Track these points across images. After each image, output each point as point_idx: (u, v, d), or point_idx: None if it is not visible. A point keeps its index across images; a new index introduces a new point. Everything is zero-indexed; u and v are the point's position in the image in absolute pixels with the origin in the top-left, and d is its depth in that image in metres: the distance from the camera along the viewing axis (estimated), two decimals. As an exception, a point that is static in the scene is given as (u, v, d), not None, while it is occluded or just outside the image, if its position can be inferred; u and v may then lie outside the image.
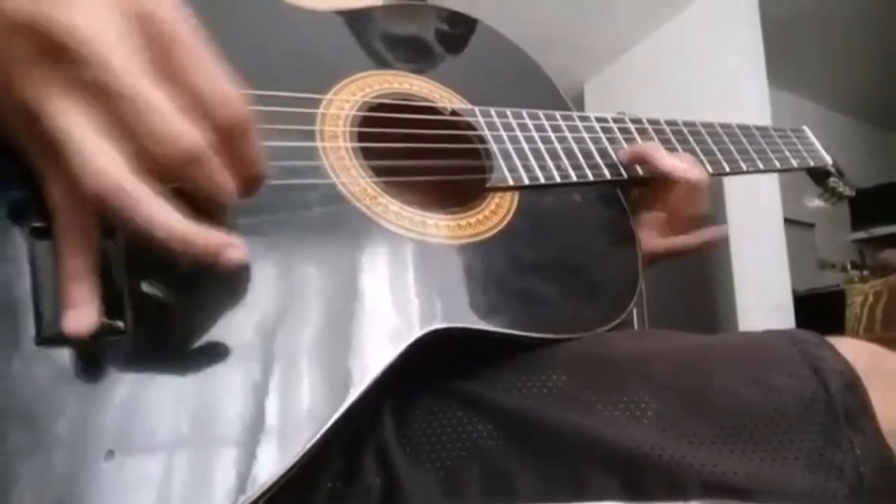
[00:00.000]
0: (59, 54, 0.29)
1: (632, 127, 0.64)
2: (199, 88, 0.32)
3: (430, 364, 0.43)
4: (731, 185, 2.77)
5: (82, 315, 0.31)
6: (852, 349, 0.40)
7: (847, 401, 0.37)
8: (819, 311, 2.57)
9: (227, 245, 0.33)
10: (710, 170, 0.65)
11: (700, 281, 2.67)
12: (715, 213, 2.72)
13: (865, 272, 3.76)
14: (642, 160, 0.60)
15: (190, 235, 0.31)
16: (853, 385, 0.38)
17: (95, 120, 0.30)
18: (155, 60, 0.31)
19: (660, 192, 0.61)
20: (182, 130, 0.31)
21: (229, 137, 0.33)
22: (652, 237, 0.61)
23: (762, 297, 2.72)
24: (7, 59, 0.29)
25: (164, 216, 0.31)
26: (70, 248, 0.31)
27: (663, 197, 0.60)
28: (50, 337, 0.32)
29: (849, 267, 4.00)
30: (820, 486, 0.35)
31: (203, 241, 0.32)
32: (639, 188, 0.62)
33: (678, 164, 0.59)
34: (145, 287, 0.35)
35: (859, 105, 4.32)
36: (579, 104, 3.48)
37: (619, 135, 0.62)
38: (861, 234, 4.36)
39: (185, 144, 0.31)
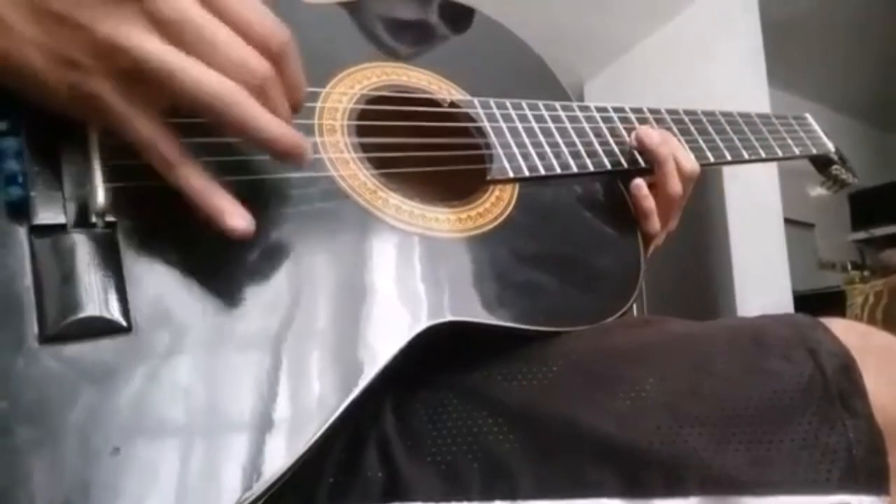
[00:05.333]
0: None
1: (632, 116, 0.63)
2: (250, 22, 0.34)
3: (430, 358, 0.43)
4: (732, 184, 2.77)
5: (241, 215, 0.34)
6: (843, 329, 0.40)
7: (841, 382, 0.37)
8: (819, 311, 2.55)
9: (307, 149, 0.37)
10: (712, 158, 0.65)
11: (700, 281, 2.67)
12: (714, 212, 2.72)
13: (866, 272, 3.76)
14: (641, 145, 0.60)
15: (287, 132, 0.35)
16: (848, 366, 0.38)
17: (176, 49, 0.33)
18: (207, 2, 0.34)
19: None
20: (251, 57, 0.34)
21: (282, 63, 0.36)
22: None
23: (762, 297, 2.72)
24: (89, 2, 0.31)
25: (265, 115, 0.34)
26: (188, 167, 0.34)
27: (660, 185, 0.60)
28: (53, 335, 0.32)
29: (849, 267, 4.01)
30: (813, 469, 0.35)
31: (296, 139, 0.36)
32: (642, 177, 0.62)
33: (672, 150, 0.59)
34: (150, 285, 0.35)
35: (859, 105, 4.33)
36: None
37: (619, 124, 0.61)
38: (861, 234, 4.36)
39: (260, 71, 0.34)
